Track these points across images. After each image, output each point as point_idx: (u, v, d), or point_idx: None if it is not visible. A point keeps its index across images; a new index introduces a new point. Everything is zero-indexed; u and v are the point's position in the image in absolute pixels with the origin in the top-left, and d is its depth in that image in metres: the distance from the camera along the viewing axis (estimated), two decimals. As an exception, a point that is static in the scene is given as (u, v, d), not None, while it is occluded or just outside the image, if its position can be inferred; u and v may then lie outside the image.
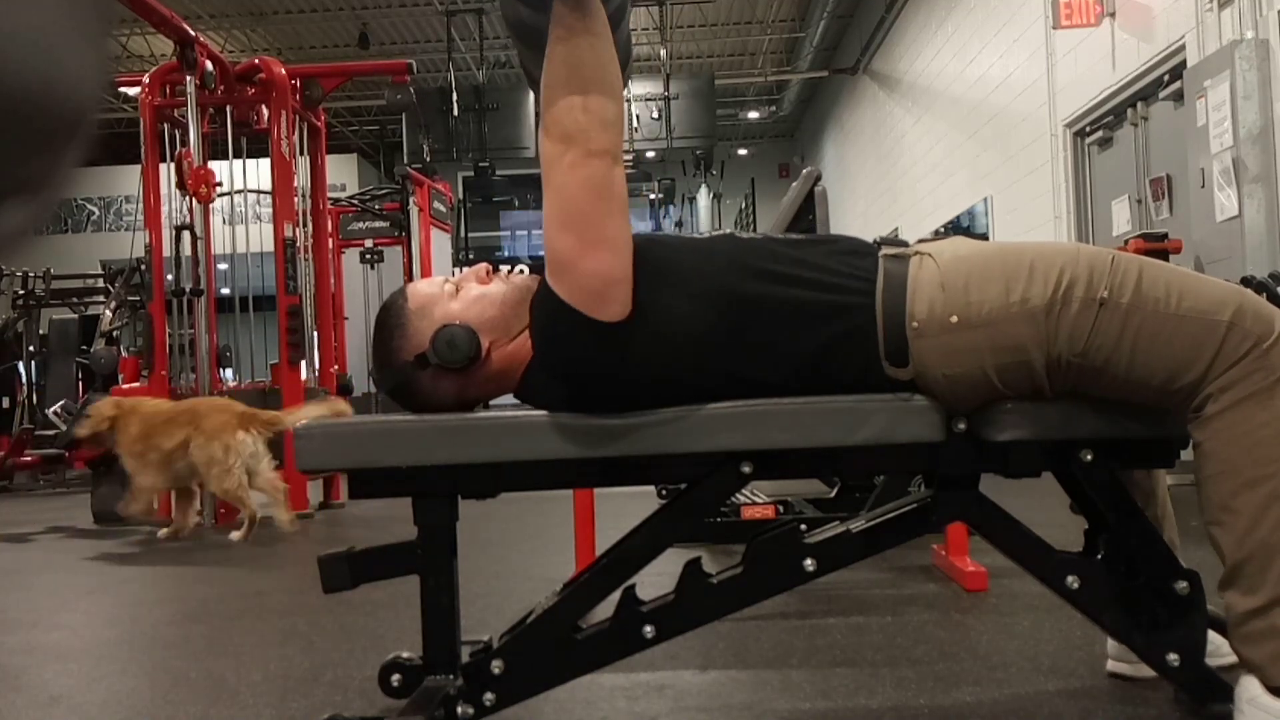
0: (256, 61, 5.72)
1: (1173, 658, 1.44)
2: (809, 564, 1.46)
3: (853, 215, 14.05)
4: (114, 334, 7.57)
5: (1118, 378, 1.36)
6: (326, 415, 3.88)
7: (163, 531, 4.65)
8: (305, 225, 5.92)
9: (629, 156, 12.46)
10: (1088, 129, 7.13)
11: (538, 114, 1.43)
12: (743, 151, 18.59)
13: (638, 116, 11.77)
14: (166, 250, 5.49)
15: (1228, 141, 4.96)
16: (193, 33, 5.28)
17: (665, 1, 11.59)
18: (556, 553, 3.46)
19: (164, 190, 5.57)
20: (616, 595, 1.47)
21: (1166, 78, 6.05)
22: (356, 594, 1.63)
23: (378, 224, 8.97)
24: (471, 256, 14.02)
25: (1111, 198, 6.80)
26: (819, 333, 1.41)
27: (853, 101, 14.32)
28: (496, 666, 1.44)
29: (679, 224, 16.54)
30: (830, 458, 1.52)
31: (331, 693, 1.91)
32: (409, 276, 8.43)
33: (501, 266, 1.58)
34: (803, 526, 1.48)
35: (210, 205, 5.30)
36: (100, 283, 9.46)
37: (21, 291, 9.00)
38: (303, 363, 5.63)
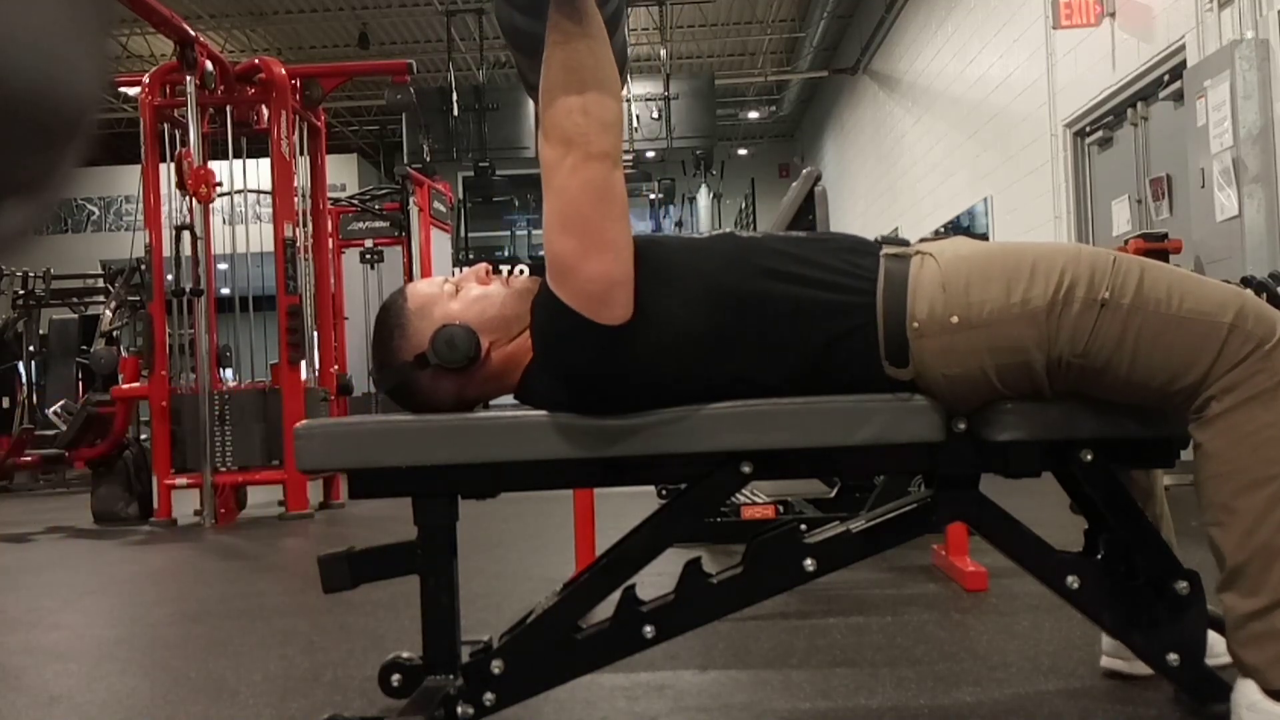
0: (256, 61, 5.72)
1: (1172, 658, 1.44)
2: (809, 564, 1.46)
3: (853, 215, 14.05)
4: (114, 334, 7.57)
5: (1118, 379, 1.36)
6: None
7: None
8: (305, 225, 5.93)
9: (629, 157, 12.46)
10: (1088, 129, 7.13)
11: (537, 117, 1.43)
12: (743, 151, 18.58)
13: (637, 116, 11.78)
14: (166, 250, 5.49)
15: (1228, 141, 4.96)
16: (193, 33, 5.28)
17: (665, 1, 11.59)
18: (556, 553, 3.46)
19: (164, 190, 5.57)
20: (616, 595, 1.47)
21: (1166, 78, 6.05)
22: (356, 594, 1.63)
23: (378, 224, 8.97)
24: (471, 256, 14.02)
25: (1111, 198, 6.80)
26: (819, 332, 1.41)
27: (853, 101, 14.32)
28: (496, 666, 1.44)
29: (679, 224, 16.54)
30: (830, 458, 1.52)
31: (331, 693, 1.91)
32: (409, 276, 8.43)
33: (501, 267, 1.58)
34: (803, 526, 1.48)
35: (210, 205, 5.30)
36: (100, 283, 9.47)
37: (21, 291, 9.00)
38: (303, 363, 5.63)
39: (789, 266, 1.43)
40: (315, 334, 5.95)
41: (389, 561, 1.49)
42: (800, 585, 1.50)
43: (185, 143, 5.30)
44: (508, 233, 16.42)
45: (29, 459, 6.76)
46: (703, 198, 16.49)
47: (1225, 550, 1.34)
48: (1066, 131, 7.29)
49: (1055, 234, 7.31)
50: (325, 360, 6.11)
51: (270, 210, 5.65)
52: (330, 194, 7.14)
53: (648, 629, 1.45)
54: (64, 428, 6.52)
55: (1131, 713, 1.59)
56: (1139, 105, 6.45)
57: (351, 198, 9.66)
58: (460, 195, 14.06)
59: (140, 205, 5.59)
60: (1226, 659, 1.43)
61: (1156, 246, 4.36)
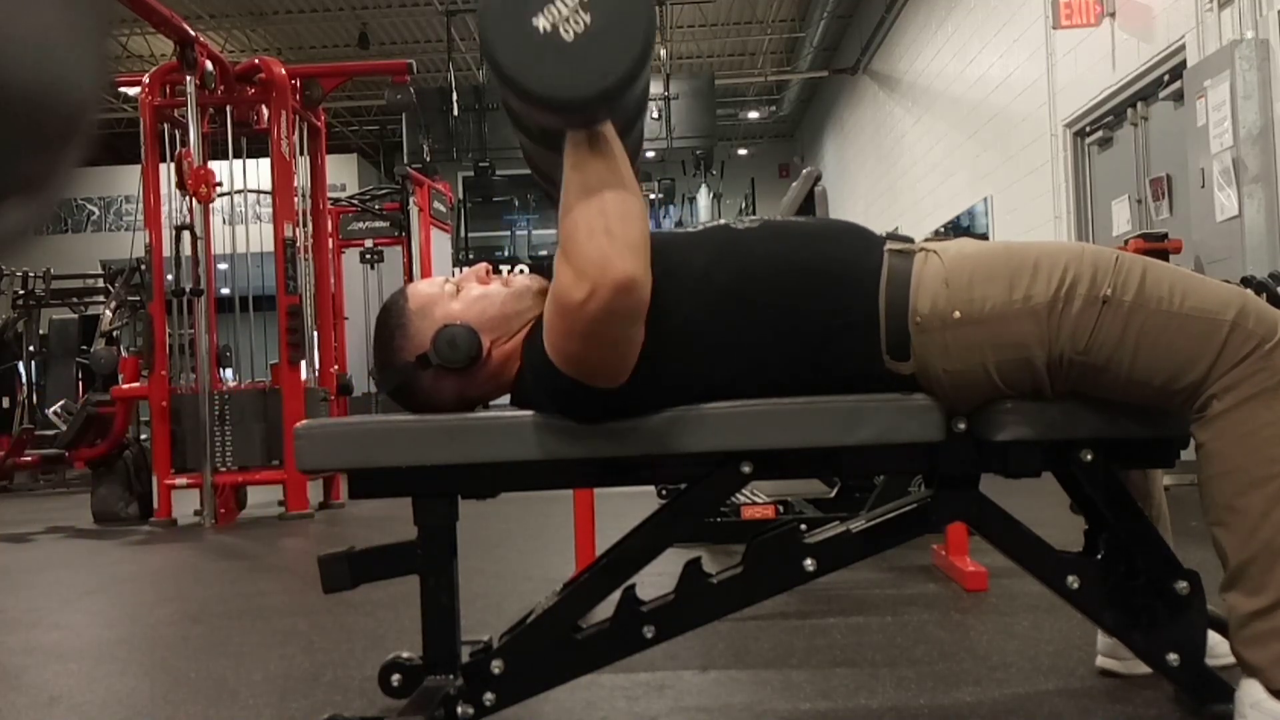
0: (256, 61, 5.72)
1: (1173, 658, 1.44)
2: (809, 564, 1.46)
3: (853, 215, 13.93)
4: (114, 334, 7.57)
5: (1120, 377, 1.36)
6: None
7: None
8: (305, 225, 5.93)
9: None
10: (1088, 129, 7.13)
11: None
12: (743, 151, 18.58)
13: (638, 116, 11.76)
14: (166, 250, 5.49)
15: (1228, 141, 4.96)
16: (193, 33, 5.28)
17: (665, 1, 11.59)
18: (556, 553, 3.46)
19: (164, 190, 5.57)
20: (616, 595, 1.47)
21: (1166, 78, 6.05)
22: (356, 594, 1.63)
23: (378, 224, 8.97)
24: (471, 256, 14.02)
25: (1111, 198, 6.80)
26: (820, 325, 1.40)
27: (853, 101, 14.32)
28: (496, 666, 1.44)
29: (679, 223, 16.55)
30: (830, 458, 1.52)
31: (331, 693, 1.91)
32: (409, 276, 8.43)
33: (501, 267, 1.58)
34: (803, 526, 1.48)
35: (210, 205, 5.30)
36: (100, 283, 9.47)
37: (21, 291, 9.00)
38: (303, 363, 5.63)
39: (789, 260, 1.43)
40: (315, 334, 5.95)
41: (389, 561, 1.48)
42: (800, 585, 1.50)
43: (185, 143, 5.30)
44: (508, 233, 16.41)
45: (29, 459, 6.76)
46: (703, 198, 16.49)
47: (1228, 550, 1.34)
48: (1066, 131, 7.29)
49: (1055, 234, 7.31)
50: (325, 360, 6.12)
51: (270, 210, 5.65)
52: (330, 194, 7.14)
53: (648, 629, 1.45)
54: (64, 428, 6.52)
55: (1131, 713, 1.59)
56: (1139, 105, 6.45)
57: (351, 198, 9.67)
58: (460, 195, 14.07)
59: (140, 205, 5.59)
60: (1228, 659, 1.43)
61: (1156, 246, 4.36)
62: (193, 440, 5.28)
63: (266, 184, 5.71)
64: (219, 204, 5.48)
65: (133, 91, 6.77)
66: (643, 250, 1.30)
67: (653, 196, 15.72)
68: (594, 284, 1.27)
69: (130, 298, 7.61)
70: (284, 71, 5.67)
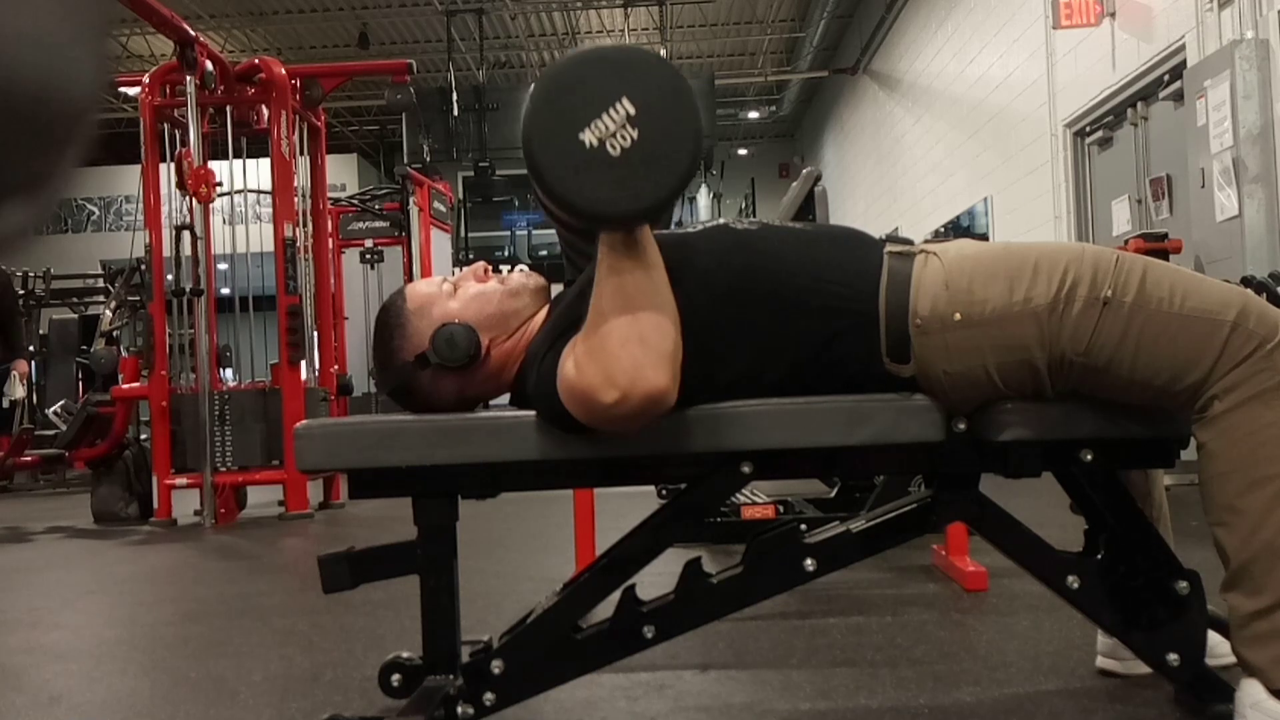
0: (256, 61, 5.72)
1: (1173, 658, 1.44)
2: (809, 564, 1.46)
3: (853, 215, 14.04)
4: (114, 334, 7.57)
5: (1121, 378, 1.36)
6: None
7: None
8: (305, 225, 5.92)
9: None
10: (1088, 129, 7.13)
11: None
12: (743, 151, 18.58)
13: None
14: (166, 250, 5.49)
15: (1228, 141, 4.96)
16: (193, 33, 5.28)
17: (665, 1, 11.59)
18: (556, 553, 3.46)
19: (164, 190, 5.57)
20: (616, 595, 1.47)
21: (1166, 78, 6.05)
22: (356, 594, 1.63)
23: (378, 224, 8.97)
24: (471, 256, 13.99)
25: (1111, 198, 6.80)
26: (821, 327, 1.40)
27: (853, 101, 14.32)
28: (496, 666, 1.44)
29: (679, 223, 16.50)
30: (830, 458, 1.52)
31: (331, 693, 1.91)
32: (409, 276, 8.43)
33: (501, 267, 1.58)
34: (803, 526, 1.48)
35: (210, 205, 5.29)
36: (100, 283, 9.48)
37: (21, 291, 9.00)
38: (303, 363, 5.63)
39: (789, 262, 1.43)
40: (315, 334, 5.95)
41: (389, 561, 1.48)
42: (800, 585, 1.50)
43: (185, 143, 5.30)
44: (508, 233, 16.40)
45: (29, 459, 6.75)
46: (703, 197, 16.49)
47: (1229, 550, 1.33)
48: (1066, 131, 7.29)
49: (1055, 234, 7.31)
50: (325, 360, 6.11)
51: (270, 210, 5.65)
52: (330, 194, 7.14)
53: (648, 629, 1.45)
54: (64, 428, 6.52)
55: (1131, 713, 1.59)
56: (1139, 105, 6.45)
57: (351, 198, 9.66)
58: (460, 195, 14.05)
59: (140, 205, 5.59)
60: (1228, 659, 1.43)
61: (1156, 246, 4.36)
62: (193, 440, 5.28)
63: (266, 184, 5.71)
64: (219, 204, 5.47)
65: (133, 91, 6.77)
66: (674, 361, 1.30)
67: (652, 196, 15.69)
68: (625, 392, 1.27)
69: (130, 298, 7.61)
70: (284, 71, 5.67)
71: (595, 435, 1.40)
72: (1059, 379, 1.38)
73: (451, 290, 1.53)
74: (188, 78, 5.23)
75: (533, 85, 1.27)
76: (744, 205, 17.39)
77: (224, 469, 5.32)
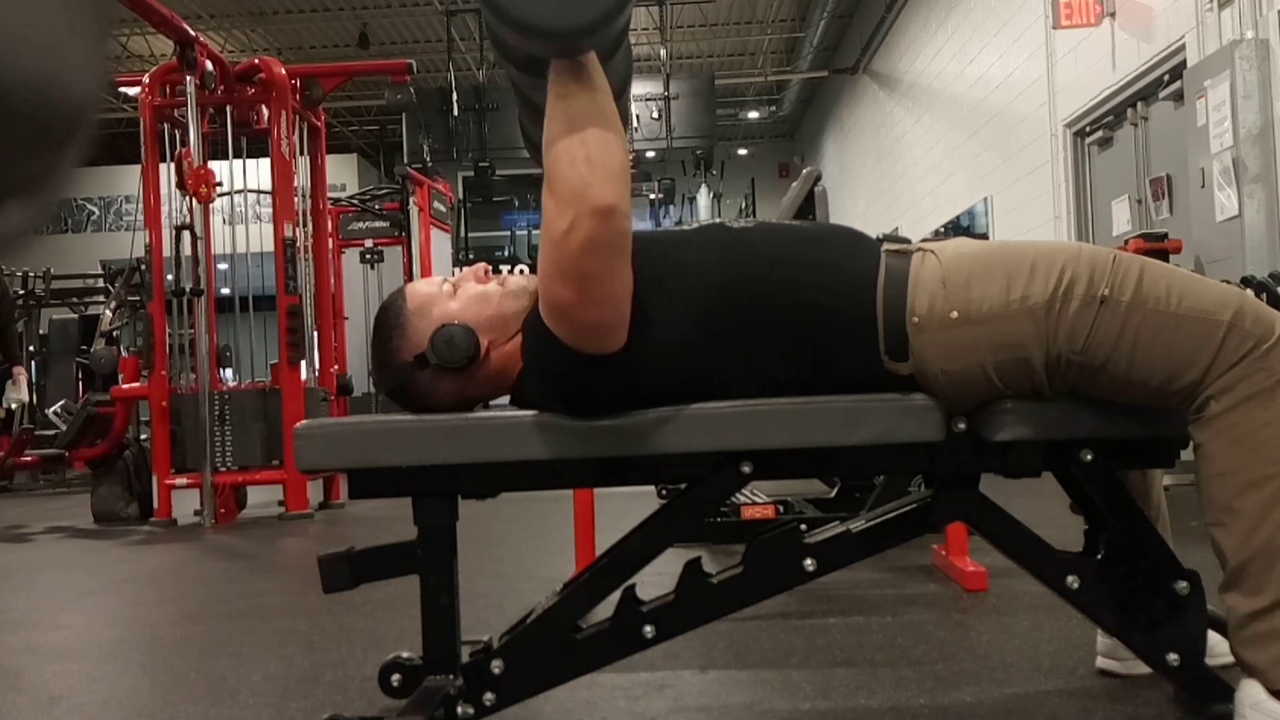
0: (256, 61, 5.72)
1: (1173, 658, 1.44)
2: (809, 564, 1.46)
3: (853, 215, 14.04)
4: (114, 334, 7.57)
5: (1117, 377, 1.36)
6: None
7: None
8: (305, 225, 5.93)
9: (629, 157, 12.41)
10: (1088, 129, 7.13)
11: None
12: (743, 151, 18.57)
13: (638, 116, 11.77)
14: (166, 250, 5.49)
15: (1228, 141, 4.96)
16: (193, 33, 5.28)
17: (665, 1, 11.58)
18: (556, 553, 3.46)
19: (164, 190, 5.57)
20: (616, 595, 1.47)
21: (1166, 78, 6.05)
22: (356, 594, 1.63)
23: (378, 224, 8.97)
24: (471, 256, 13.99)
25: (1111, 198, 6.80)
26: (818, 325, 1.40)
27: (853, 101, 14.32)
28: (496, 666, 1.44)
29: (679, 223, 16.53)
30: (830, 458, 1.52)
31: (331, 693, 1.91)
32: (409, 276, 8.43)
33: (501, 267, 1.58)
34: (803, 526, 1.48)
35: (210, 205, 5.30)
36: (100, 283, 9.48)
37: (21, 291, 9.00)
38: (303, 363, 5.63)
39: (786, 260, 1.43)
40: (315, 334, 5.95)
41: (389, 561, 1.48)
42: (800, 585, 1.50)
43: (185, 143, 5.30)
44: (508, 233, 16.40)
45: (29, 459, 6.76)
46: (703, 197, 16.48)
47: (1227, 550, 1.34)
48: (1066, 131, 7.29)
49: (1055, 234, 7.31)
50: (325, 360, 6.11)
51: (270, 210, 5.65)
52: (330, 194, 7.14)
53: (648, 629, 1.45)
54: (64, 428, 6.52)
55: (1131, 713, 1.59)
56: (1139, 105, 6.45)
57: (351, 198, 9.66)
58: (460, 195, 14.05)
59: (140, 205, 5.59)
60: (1227, 659, 1.43)
61: (1156, 246, 4.36)
62: (193, 440, 5.28)
63: (266, 184, 5.71)
64: (219, 204, 5.47)
65: (133, 91, 6.77)
66: (622, 178, 1.31)
67: (652, 196, 15.72)
68: (575, 212, 1.28)
69: (130, 298, 7.62)
70: (284, 71, 5.67)
71: (595, 435, 1.40)
72: (1056, 378, 1.38)
73: (451, 291, 1.53)
74: (188, 78, 5.23)
75: None
76: (744, 205, 17.38)
77: (224, 469, 5.32)
